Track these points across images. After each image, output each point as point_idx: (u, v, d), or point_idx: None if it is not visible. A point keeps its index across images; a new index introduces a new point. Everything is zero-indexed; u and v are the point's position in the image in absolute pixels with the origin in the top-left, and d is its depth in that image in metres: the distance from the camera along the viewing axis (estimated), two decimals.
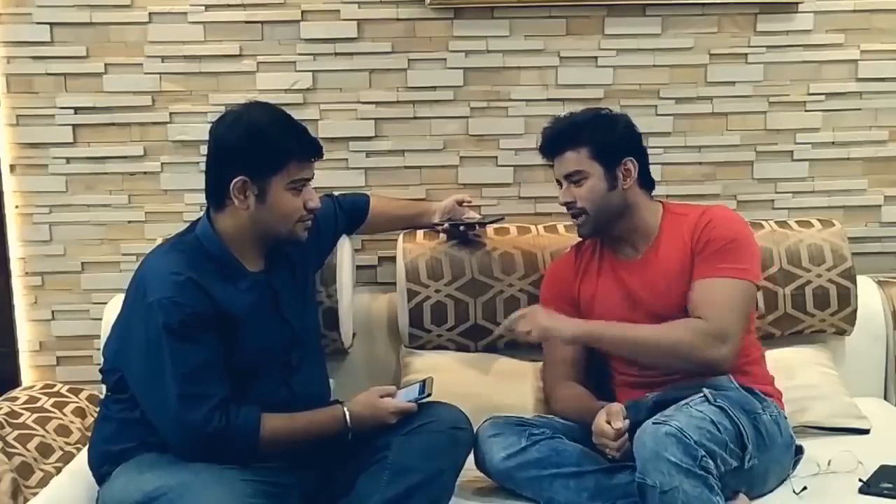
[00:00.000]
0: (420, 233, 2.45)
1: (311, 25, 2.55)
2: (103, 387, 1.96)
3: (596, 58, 2.59)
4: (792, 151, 2.66)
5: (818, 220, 2.50)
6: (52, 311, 2.63)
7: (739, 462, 1.83)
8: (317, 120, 2.56)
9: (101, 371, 1.95)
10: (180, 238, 1.94)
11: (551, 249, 2.40)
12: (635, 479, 1.76)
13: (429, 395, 1.93)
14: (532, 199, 2.63)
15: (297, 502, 1.89)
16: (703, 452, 1.72)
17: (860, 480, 1.94)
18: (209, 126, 1.93)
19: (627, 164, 2.10)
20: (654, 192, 2.20)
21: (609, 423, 1.92)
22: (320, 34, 2.55)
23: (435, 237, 2.43)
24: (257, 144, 1.84)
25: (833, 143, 2.66)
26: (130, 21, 2.53)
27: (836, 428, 2.24)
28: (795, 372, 2.32)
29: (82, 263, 2.62)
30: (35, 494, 1.96)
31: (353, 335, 2.43)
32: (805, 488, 1.93)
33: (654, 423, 1.77)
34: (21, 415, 2.23)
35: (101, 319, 2.38)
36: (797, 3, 2.58)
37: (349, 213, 2.32)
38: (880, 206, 2.70)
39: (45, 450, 2.16)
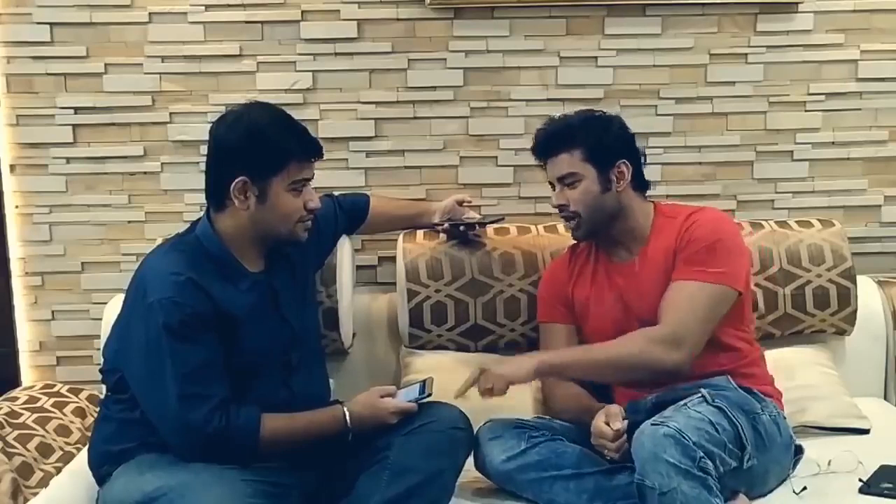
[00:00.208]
0: (420, 233, 2.45)
1: (311, 25, 2.55)
2: (103, 387, 1.96)
3: (596, 58, 2.59)
4: (792, 151, 2.66)
5: (818, 220, 2.50)
6: (52, 311, 2.63)
7: (738, 462, 1.82)
8: (317, 120, 2.56)
9: (101, 371, 1.95)
10: (180, 238, 1.94)
11: (551, 249, 2.40)
12: (634, 480, 1.75)
13: (429, 395, 1.93)
14: (532, 199, 2.63)
15: (297, 502, 1.89)
16: (702, 453, 1.72)
17: (860, 480, 1.94)
18: (209, 126, 1.93)
19: (621, 167, 2.08)
20: (654, 192, 2.20)
21: (608, 423, 1.92)
22: (320, 34, 2.55)
23: (435, 237, 2.43)
24: (258, 145, 1.84)
25: (833, 143, 2.67)
26: (130, 21, 2.53)
27: (836, 428, 2.24)
28: (795, 372, 2.32)
29: (82, 263, 2.62)
30: (35, 494, 1.96)
31: (353, 335, 2.43)
32: (805, 488, 1.93)
33: (652, 425, 1.77)
34: (21, 415, 2.23)
35: (101, 319, 2.38)
36: (797, 3, 2.58)
37: (349, 213, 2.32)
38: (880, 206, 2.70)
39: (45, 450, 2.16)
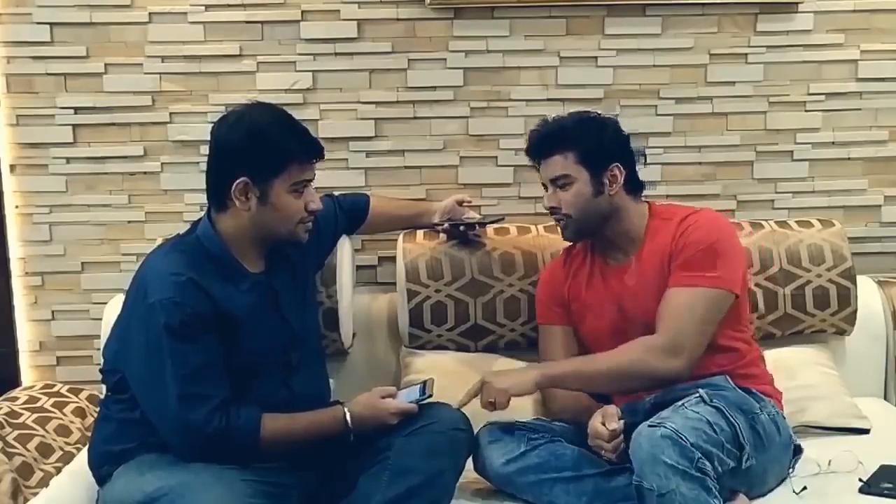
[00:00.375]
0: (420, 233, 2.44)
1: (311, 25, 2.55)
2: (103, 387, 1.96)
3: (596, 58, 2.59)
4: (792, 151, 2.66)
5: (818, 220, 2.50)
6: (52, 311, 2.63)
7: (737, 462, 1.82)
8: (317, 120, 2.56)
9: (101, 371, 1.95)
10: (181, 238, 1.94)
11: (551, 249, 2.40)
12: (633, 482, 1.75)
13: (430, 396, 1.93)
14: (532, 199, 2.63)
15: (297, 502, 1.89)
16: (700, 454, 1.72)
17: (860, 480, 1.94)
18: (209, 126, 1.93)
19: (614, 171, 2.08)
20: (654, 192, 2.20)
21: (604, 424, 1.92)
22: (320, 34, 2.55)
23: (435, 237, 2.43)
24: (259, 146, 1.84)
25: (833, 143, 2.67)
26: (130, 21, 2.53)
27: (837, 428, 2.24)
28: (795, 372, 2.32)
29: (82, 263, 2.62)
30: (35, 494, 1.96)
31: (353, 335, 2.43)
32: (805, 488, 1.93)
33: (649, 426, 1.77)
34: (21, 415, 2.23)
35: (101, 319, 2.38)
36: (797, 3, 2.58)
37: (349, 214, 2.32)
38: (880, 206, 2.70)
39: (45, 450, 2.16)
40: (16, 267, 2.61)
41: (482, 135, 2.61)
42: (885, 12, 2.61)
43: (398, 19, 2.55)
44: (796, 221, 2.50)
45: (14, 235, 2.60)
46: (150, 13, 2.52)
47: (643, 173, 2.16)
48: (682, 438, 1.71)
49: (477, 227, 2.40)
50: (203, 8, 2.53)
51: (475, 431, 1.99)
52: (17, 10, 2.51)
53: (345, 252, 2.37)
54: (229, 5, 2.53)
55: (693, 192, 2.62)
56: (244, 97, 2.12)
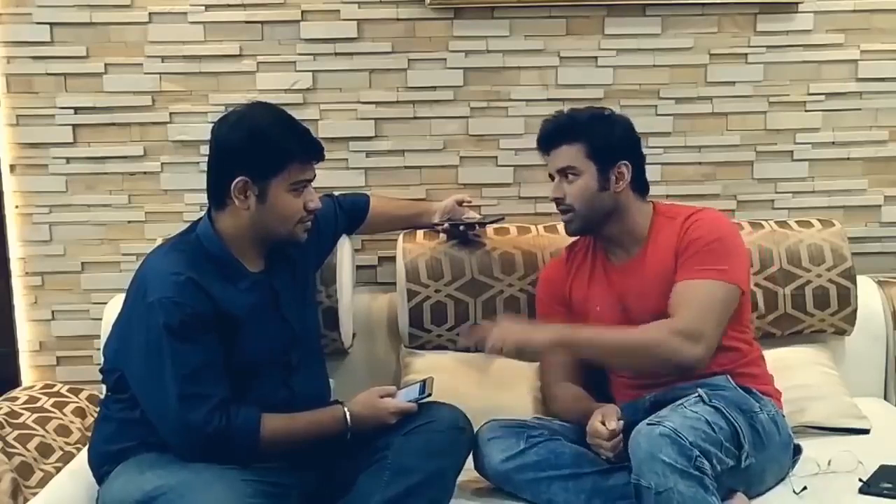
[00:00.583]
0: (420, 233, 2.45)
1: (311, 25, 2.55)
2: (103, 387, 1.96)
3: (596, 58, 2.59)
4: (792, 151, 2.66)
5: (818, 220, 2.50)
6: (52, 311, 2.63)
7: (736, 461, 1.82)
8: (317, 120, 2.56)
9: (101, 371, 1.95)
10: (181, 238, 1.94)
11: (551, 249, 2.40)
12: (631, 480, 1.75)
13: (429, 395, 1.93)
14: (532, 199, 2.63)
15: (297, 502, 1.89)
16: (698, 452, 1.72)
17: (860, 480, 1.94)
18: (209, 126, 1.93)
19: (621, 168, 2.08)
20: (654, 192, 2.20)
21: (603, 423, 1.92)
22: (320, 34, 2.55)
23: (435, 237, 2.43)
24: (259, 145, 1.84)
25: (833, 143, 2.67)
26: (130, 21, 2.53)
27: (836, 428, 2.24)
28: (795, 372, 2.32)
29: (82, 263, 2.62)
30: (35, 494, 1.96)
31: (353, 335, 2.43)
32: (805, 488, 1.93)
33: (648, 424, 1.77)
34: (21, 415, 2.23)
35: (101, 319, 2.38)
36: (797, 3, 2.59)
37: (349, 213, 2.32)
38: (880, 206, 2.70)
39: (45, 450, 2.16)
40: (16, 267, 2.61)
41: (482, 135, 2.61)
42: (885, 12, 2.61)
43: (398, 19, 2.55)
44: (796, 221, 2.50)
45: (14, 235, 2.60)
46: (150, 13, 2.52)
47: None
48: (680, 437, 1.71)
49: (477, 227, 2.40)
50: (203, 8, 2.53)
51: (475, 430, 1.99)
52: (17, 10, 2.52)
53: (345, 252, 2.37)
54: (229, 5, 2.53)
55: (693, 192, 2.62)
56: (244, 97, 2.13)
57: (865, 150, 2.67)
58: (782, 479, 1.97)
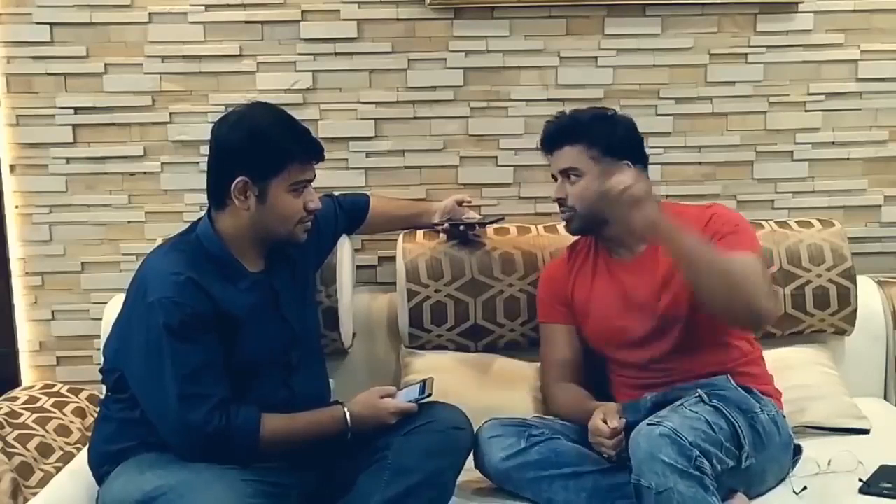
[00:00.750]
0: (420, 233, 2.45)
1: (311, 25, 2.55)
2: (103, 387, 1.96)
3: (596, 58, 2.59)
4: (792, 151, 2.66)
5: (818, 220, 2.50)
6: (52, 311, 2.63)
7: (736, 462, 1.82)
8: (317, 120, 2.56)
9: (101, 371, 1.95)
10: (181, 238, 1.94)
11: (551, 249, 2.40)
12: (631, 480, 1.75)
13: (429, 395, 1.93)
14: (532, 199, 2.63)
15: (297, 502, 1.89)
16: (698, 452, 1.72)
17: (860, 480, 1.94)
18: (209, 126, 1.93)
19: (624, 168, 2.09)
20: (654, 192, 2.19)
21: (605, 421, 1.92)
22: (320, 34, 2.55)
23: (435, 237, 2.43)
24: (259, 146, 1.84)
25: (833, 143, 2.66)
26: (130, 21, 2.53)
27: (836, 428, 2.24)
28: (795, 372, 2.32)
29: (82, 263, 2.62)
30: (35, 494, 1.96)
31: (353, 335, 2.43)
32: (805, 488, 1.93)
33: (648, 425, 1.77)
34: (21, 415, 2.23)
35: (101, 319, 2.38)
36: (797, 3, 2.58)
37: (349, 213, 2.32)
38: (880, 206, 2.70)
39: (45, 450, 2.16)
40: (16, 267, 2.61)
41: (482, 135, 2.61)
42: (885, 12, 2.61)
43: (398, 19, 2.55)
44: (796, 221, 2.50)
45: (14, 235, 2.60)
46: (150, 13, 2.52)
47: None
48: (680, 437, 1.71)
49: (477, 227, 2.40)
50: (203, 8, 2.53)
51: (475, 430, 1.99)
52: (17, 10, 2.51)
53: (345, 252, 2.37)
54: (229, 5, 2.53)
55: (693, 192, 2.61)
56: (244, 97, 2.13)
57: (865, 150, 2.67)
58: (782, 480, 1.97)
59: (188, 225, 2.00)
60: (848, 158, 2.67)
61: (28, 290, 2.63)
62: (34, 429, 2.20)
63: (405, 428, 1.88)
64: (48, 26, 2.52)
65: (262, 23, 2.55)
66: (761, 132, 2.65)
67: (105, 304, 2.42)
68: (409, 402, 1.92)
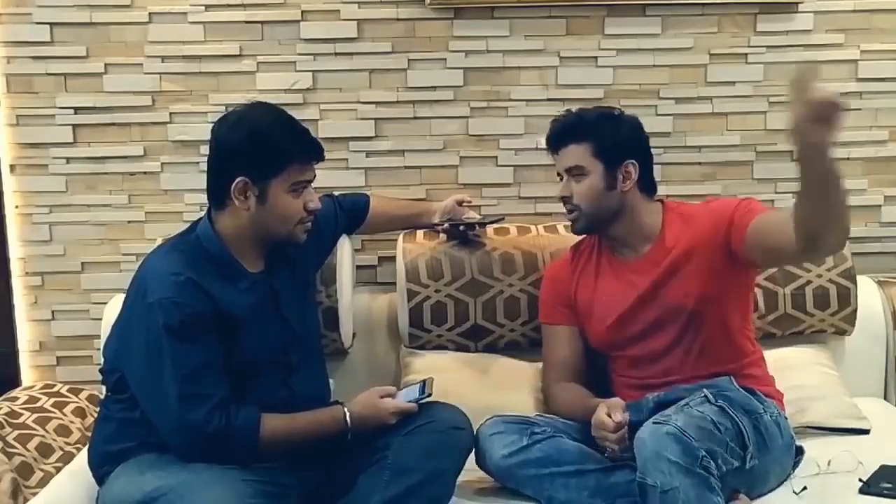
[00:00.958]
0: (420, 233, 2.45)
1: (311, 25, 2.55)
2: (103, 387, 1.96)
3: (596, 58, 2.59)
4: (792, 151, 2.65)
5: None
6: (52, 311, 2.63)
7: (740, 462, 1.82)
8: (317, 120, 2.56)
9: (101, 371, 1.95)
10: (181, 238, 1.94)
11: (551, 249, 2.40)
12: (636, 478, 1.75)
13: (429, 395, 1.93)
14: (532, 199, 2.63)
15: (297, 502, 1.89)
16: (704, 452, 1.72)
17: (860, 480, 1.94)
18: (209, 126, 1.93)
19: (628, 167, 2.09)
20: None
21: (609, 415, 1.91)
22: (320, 34, 2.55)
23: (435, 237, 2.43)
24: (259, 146, 1.84)
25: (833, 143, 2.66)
26: (130, 21, 2.53)
27: (836, 428, 2.24)
28: (795, 372, 2.32)
29: (82, 263, 2.62)
30: (35, 494, 1.96)
31: (353, 335, 2.43)
32: (805, 488, 1.93)
33: (654, 423, 1.77)
34: (21, 415, 2.23)
35: (101, 319, 2.38)
36: (797, 3, 2.58)
37: (349, 213, 2.32)
38: (880, 206, 2.70)
39: (45, 450, 2.16)
40: (16, 267, 2.61)
41: (482, 135, 2.61)
42: (885, 12, 2.61)
43: (398, 19, 2.55)
44: None
45: (14, 235, 2.60)
46: (150, 13, 2.52)
47: None
48: (686, 436, 1.72)
49: (477, 227, 2.40)
50: (203, 8, 2.53)
51: (476, 428, 1.99)
52: (17, 10, 2.51)
53: (345, 252, 2.37)
54: (229, 5, 2.53)
55: (693, 192, 2.61)
56: (244, 97, 2.12)
57: (865, 150, 2.67)
58: (784, 481, 1.97)
59: (188, 225, 2.00)
60: (848, 158, 2.67)
61: (28, 290, 2.63)
62: (34, 429, 2.20)
63: (405, 428, 1.88)
64: (48, 26, 2.52)
65: (262, 23, 2.55)
66: (761, 132, 2.65)
67: (105, 304, 2.42)
68: (410, 402, 1.92)
